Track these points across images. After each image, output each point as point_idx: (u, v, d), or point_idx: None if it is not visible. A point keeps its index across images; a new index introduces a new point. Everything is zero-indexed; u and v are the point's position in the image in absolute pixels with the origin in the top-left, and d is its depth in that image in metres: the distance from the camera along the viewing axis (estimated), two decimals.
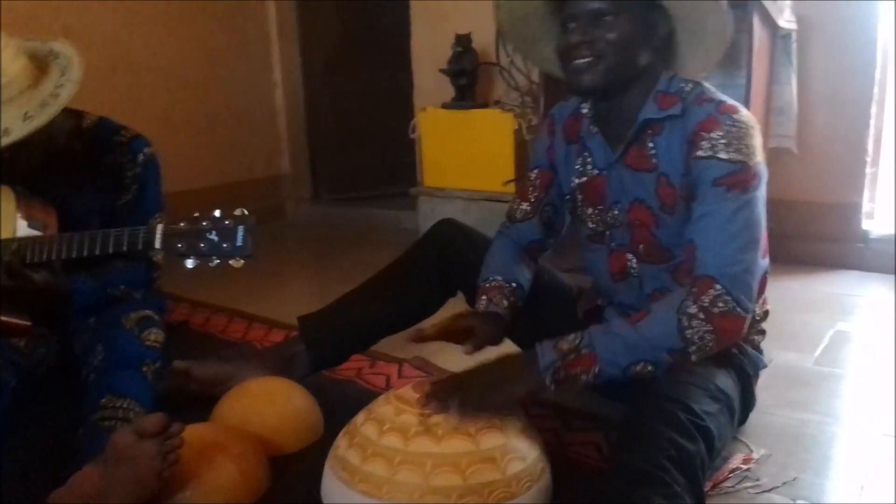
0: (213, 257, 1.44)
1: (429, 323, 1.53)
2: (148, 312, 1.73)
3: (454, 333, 1.46)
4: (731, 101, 1.34)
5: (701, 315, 1.23)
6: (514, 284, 1.54)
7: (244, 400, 1.57)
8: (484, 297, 1.52)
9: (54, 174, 1.72)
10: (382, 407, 1.35)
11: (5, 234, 1.56)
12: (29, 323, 1.62)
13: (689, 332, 1.23)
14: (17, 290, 1.52)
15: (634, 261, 1.47)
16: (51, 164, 1.70)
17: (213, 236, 1.43)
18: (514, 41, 1.53)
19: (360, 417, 1.37)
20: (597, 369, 1.25)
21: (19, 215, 1.62)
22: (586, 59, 1.31)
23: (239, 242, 1.43)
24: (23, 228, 1.61)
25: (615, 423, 1.45)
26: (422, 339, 1.45)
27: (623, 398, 1.42)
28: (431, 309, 1.54)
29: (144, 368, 1.58)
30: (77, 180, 1.75)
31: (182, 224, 1.46)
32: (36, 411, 1.64)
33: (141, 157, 1.81)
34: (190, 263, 1.45)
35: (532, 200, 1.61)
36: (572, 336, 1.28)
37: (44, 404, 1.66)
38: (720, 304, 1.23)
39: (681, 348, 1.24)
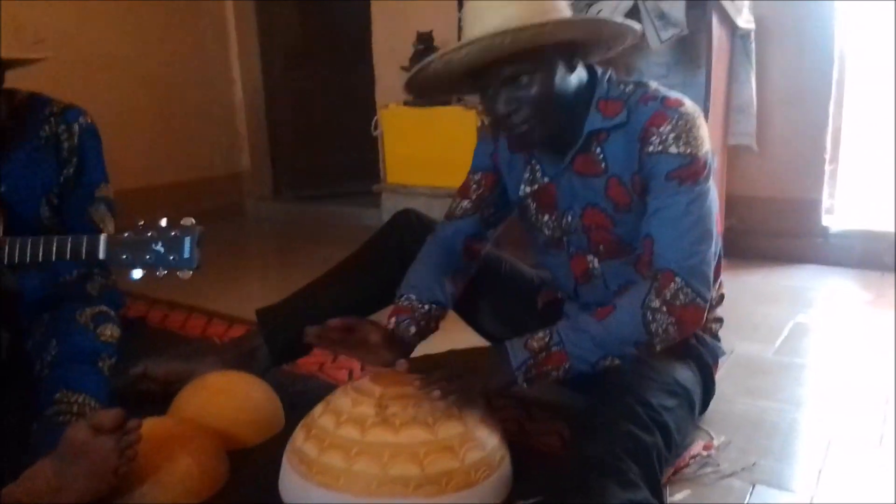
0: (160, 267, 1.40)
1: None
2: (103, 308, 1.70)
3: (350, 340, 1.40)
4: (674, 95, 1.34)
5: (664, 308, 1.26)
6: (426, 307, 1.49)
7: (202, 393, 1.54)
8: (393, 318, 1.48)
9: None
10: (340, 398, 1.33)
11: None
12: None
13: (653, 325, 1.26)
14: None
15: (595, 261, 1.48)
16: None
17: (159, 247, 1.38)
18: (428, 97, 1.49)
19: (317, 409, 1.35)
20: (567, 366, 1.28)
21: None
22: (519, 127, 1.31)
23: (185, 254, 1.38)
24: None
25: (577, 414, 1.45)
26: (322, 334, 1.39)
27: (586, 389, 1.42)
28: (391, 299, 1.52)
29: (100, 364, 1.56)
30: (15, 158, 1.68)
31: (126, 234, 1.40)
32: None
33: (76, 127, 1.74)
34: (136, 274, 1.39)
35: (474, 198, 1.57)
36: (541, 334, 1.29)
37: None
38: (681, 297, 1.26)
39: (646, 341, 1.27)
